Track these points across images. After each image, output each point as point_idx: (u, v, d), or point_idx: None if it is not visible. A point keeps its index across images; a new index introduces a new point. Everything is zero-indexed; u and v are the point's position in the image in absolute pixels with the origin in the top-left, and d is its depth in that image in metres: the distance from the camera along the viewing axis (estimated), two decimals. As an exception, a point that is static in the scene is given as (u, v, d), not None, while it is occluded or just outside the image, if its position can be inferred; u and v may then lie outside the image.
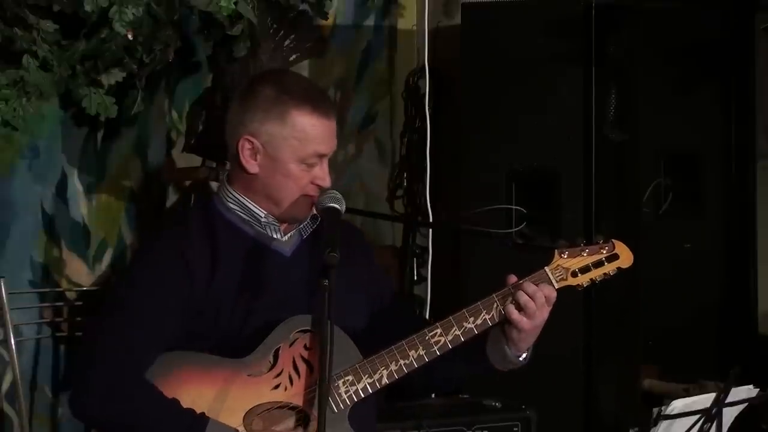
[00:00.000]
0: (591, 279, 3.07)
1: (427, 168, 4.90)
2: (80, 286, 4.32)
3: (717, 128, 5.01)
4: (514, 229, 4.47)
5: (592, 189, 4.38)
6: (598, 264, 3.07)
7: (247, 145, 2.99)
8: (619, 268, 3.09)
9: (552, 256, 3.05)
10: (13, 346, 4.01)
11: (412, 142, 5.13)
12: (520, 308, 2.97)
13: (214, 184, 4.48)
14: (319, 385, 2.77)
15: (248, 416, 2.94)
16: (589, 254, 3.07)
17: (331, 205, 2.96)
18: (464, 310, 3.00)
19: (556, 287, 3.02)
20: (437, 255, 4.95)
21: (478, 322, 2.99)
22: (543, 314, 2.98)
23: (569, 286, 3.05)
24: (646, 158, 4.71)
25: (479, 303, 3.00)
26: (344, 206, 2.98)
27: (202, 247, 2.97)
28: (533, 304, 2.96)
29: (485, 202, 4.51)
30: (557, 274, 3.03)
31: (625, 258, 3.10)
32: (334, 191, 2.99)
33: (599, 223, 4.38)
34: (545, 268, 3.04)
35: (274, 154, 2.98)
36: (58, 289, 4.27)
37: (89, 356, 2.92)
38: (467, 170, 4.59)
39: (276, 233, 3.05)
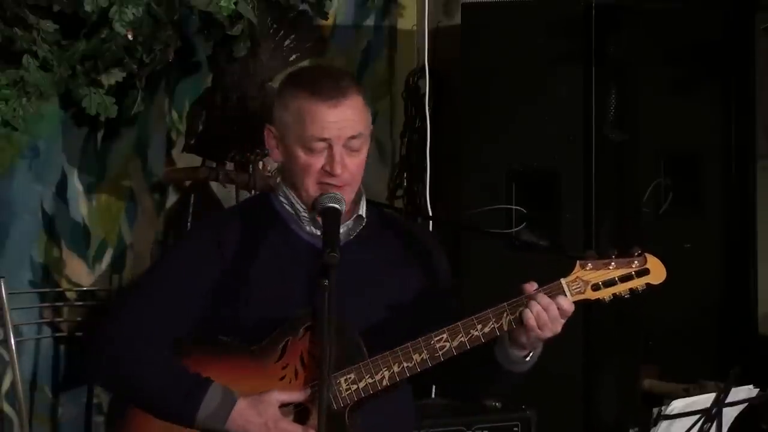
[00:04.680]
0: (614, 294, 2.87)
1: (427, 168, 4.89)
2: (80, 286, 4.32)
3: (717, 128, 5.01)
4: (514, 229, 4.48)
5: (592, 189, 4.38)
6: (626, 278, 2.89)
7: (269, 135, 3.02)
8: (648, 284, 2.89)
9: (573, 267, 2.88)
10: (13, 346, 4.01)
11: (412, 142, 5.12)
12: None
13: (214, 184, 4.49)
14: (319, 386, 2.76)
15: None
16: (617, 267, 2.89)
17: (331, 205, 2.95)
18: (473, 317, 2.90)
19: (571, 301, 2.87)
20: (437, 255, 4.94)
21: (486, 330, 2.90)
22: (555, 327, 2.86)
23: (587, 300, 2.88)
24: (646, 158, 4.71)
25: (489, 311, 2.90)
26: (344, 206, 2.97)
27: (241, 237, 2.99)
28: (545, 315, 2.84)
29: (485, 202, 4.51)
30: (574, 287, 2.87)
31: (657, 273, 2.89)
32: (335, 192, 2.98)
33: (599, 223, 4.37)
34: (561, 280, 2.88)
35: (285, 141, 2.99)
36: (58, 289, 4.27)
37: (110, 320, 2.97)
38: (467, 170, 4.59)
39: (312, 227, 3.02)
